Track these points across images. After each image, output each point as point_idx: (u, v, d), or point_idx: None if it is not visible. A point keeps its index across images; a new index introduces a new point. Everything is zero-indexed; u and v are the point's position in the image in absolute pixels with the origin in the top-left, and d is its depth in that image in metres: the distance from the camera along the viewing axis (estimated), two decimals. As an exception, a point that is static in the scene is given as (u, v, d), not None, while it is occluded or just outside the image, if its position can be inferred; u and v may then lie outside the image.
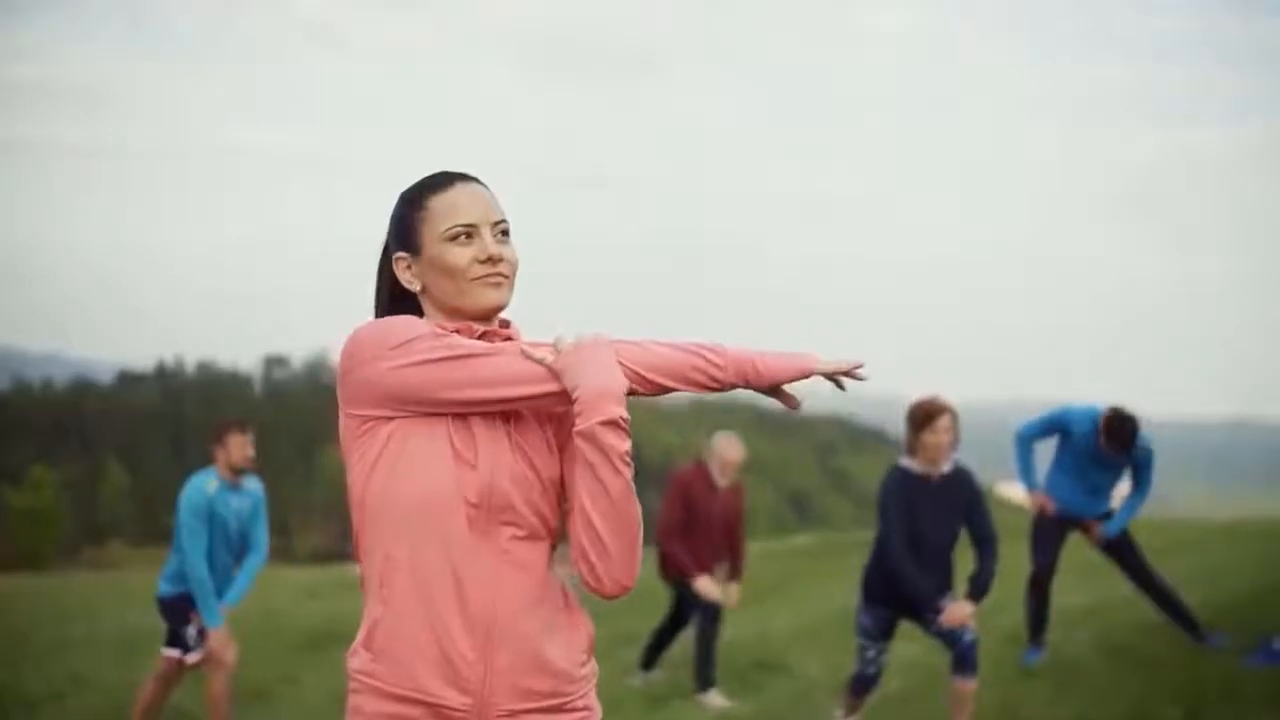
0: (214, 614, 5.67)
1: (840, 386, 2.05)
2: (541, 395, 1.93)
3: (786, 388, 2.05)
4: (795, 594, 10.72)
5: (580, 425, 1.90)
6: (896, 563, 5.04)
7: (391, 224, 2.07)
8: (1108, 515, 6.54)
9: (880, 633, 5.31)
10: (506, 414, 1.97)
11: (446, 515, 1.92)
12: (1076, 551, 9.91)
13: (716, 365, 1.99)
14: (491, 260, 1.98)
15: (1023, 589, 6.66)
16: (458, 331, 1.98)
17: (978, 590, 5.10)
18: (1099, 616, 7.11)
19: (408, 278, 2.04)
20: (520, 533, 1.95)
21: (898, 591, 5.12)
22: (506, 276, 2.00)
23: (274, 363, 75.34)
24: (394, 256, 2.06)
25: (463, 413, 1.93)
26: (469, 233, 1.98)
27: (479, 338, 1.99)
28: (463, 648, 1.92)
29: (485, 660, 1.93)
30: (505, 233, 2.02)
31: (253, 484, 5.94)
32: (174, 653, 5.84)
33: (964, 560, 5.23)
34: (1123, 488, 6.59)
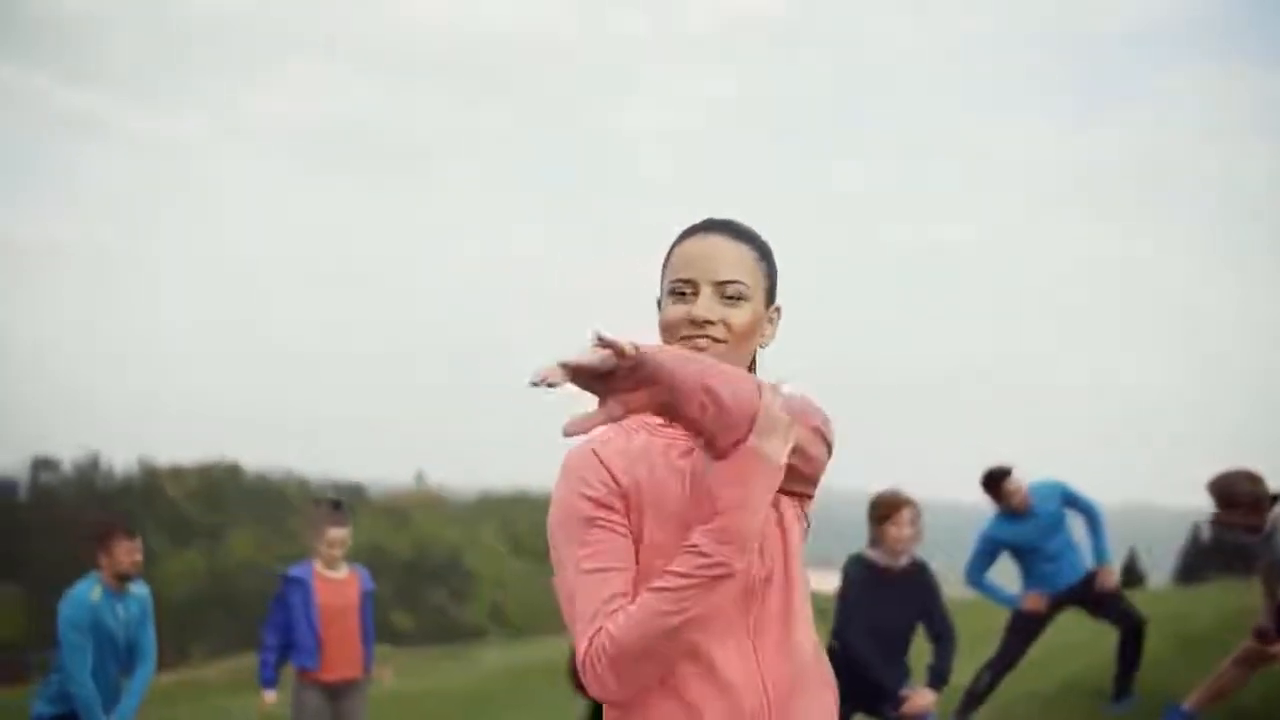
0: (105, 734, 5.13)
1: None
2: None
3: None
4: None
5: None
6: (859, 652, 4.94)
7: None
8: (1091, 575, 6.71)
9: None
10: None
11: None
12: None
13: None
14: (695, 323, 1.78)
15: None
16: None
17: (938, 679, 5.07)
18: (993, 693, 7.15)
19: None
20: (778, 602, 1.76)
21: (858, 686, 4.95)
22: (717, 340, 1.79)
23: (41, 465, 70.60)
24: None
25: None
26: (686, 289, 1.82)
27: None
28: None
29: None
30: (736, 296, 1.81)
31: (140, 590, 5.43)
32: None
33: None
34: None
